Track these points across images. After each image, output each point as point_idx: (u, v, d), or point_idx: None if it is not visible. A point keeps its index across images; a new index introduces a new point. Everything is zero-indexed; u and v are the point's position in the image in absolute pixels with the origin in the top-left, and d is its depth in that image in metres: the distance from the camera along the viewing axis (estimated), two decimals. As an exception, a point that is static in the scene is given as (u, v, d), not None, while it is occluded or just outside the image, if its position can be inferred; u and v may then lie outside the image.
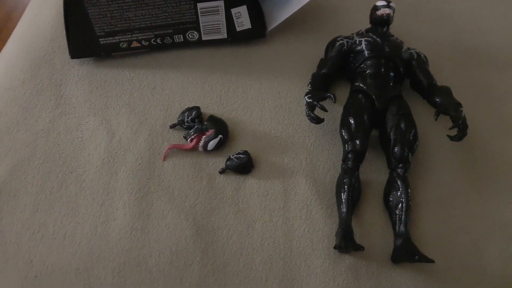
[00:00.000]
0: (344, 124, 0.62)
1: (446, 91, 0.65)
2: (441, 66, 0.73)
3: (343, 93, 0.68)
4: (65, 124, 0.67)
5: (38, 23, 0.80)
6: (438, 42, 0.78)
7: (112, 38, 0.70)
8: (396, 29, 0.74)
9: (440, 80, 0.70)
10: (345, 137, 0.61)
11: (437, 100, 0.65)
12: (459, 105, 0.63)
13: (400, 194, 0.58)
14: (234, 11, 0.70)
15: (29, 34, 0.79)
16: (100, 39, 0.70)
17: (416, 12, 0.83)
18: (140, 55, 0.75)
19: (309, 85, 0.67)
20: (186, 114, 0.65)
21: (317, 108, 0.62)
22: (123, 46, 0.72)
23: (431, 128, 0.67)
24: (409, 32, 0.78)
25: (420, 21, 0.82)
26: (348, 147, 0.61)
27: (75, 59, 0.73)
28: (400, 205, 0.58)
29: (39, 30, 0.78)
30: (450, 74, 0.73)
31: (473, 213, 0.60)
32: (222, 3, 0.68)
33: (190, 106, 0.67)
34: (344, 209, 0.57)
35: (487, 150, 0.66)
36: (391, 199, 0.59)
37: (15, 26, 0.85)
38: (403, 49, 0.70)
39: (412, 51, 0.70)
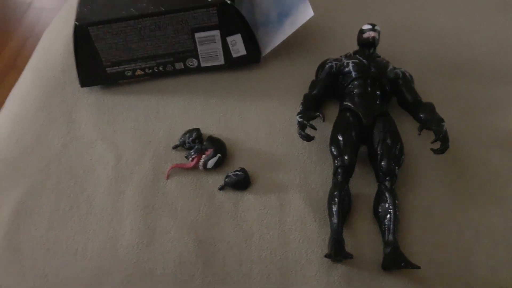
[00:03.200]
0: (333, 141, 0.67)
1: (429, 107, 0.70)
2: (426, 80, 0.77)
3: (332, 112, 0.73)
4: (75, 148, 0.72)
5: (51, 55, 0.86)
6: (423, 58, 0.83)
7: (117, 67, 0.76)
8: (382, 47, 0.78)
9: (426, 95, 0.74)
10: (335, 153, 0.66)
11: (421, 116, 0.69)
12: (441, 120, 0.67)
13: (388, 206, 0.62)
14: (229, 39, 0.75)
15: (42, 65, 0.85)
16: (107, 69, 0.76)
17: (402, 32, 0.87)
18: (144, 82, 0.80)
19: (301, 105, 0.71)
20: (187, 136, 0.70)
21: (308, 126, 0.66)
22: (128, 74, 0.78)
23: (417, 142, 0.70)
24: (395, 51, 0.82)
25: (406, 39, 0.86)
26: (337, 162, 0.65)
27: (84, 88, 0.79)
28: (388, 216, 0.61)
29: (52, 62, 0.85)
30: (436, 89, 0.76)
31: (460, 221, 0.63)
32: (218, 33, 0.74)
33: (190, 128, 0.72)
34: (335, 221, 0.61)
35: (472, 161, 0.69)
36: (380, 210, 0.63)
37: (28, 54, 0.92)
38: (389, 69, 0.74)
39: (397, 70, 0.74)
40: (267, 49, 0.80)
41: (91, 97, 0.79)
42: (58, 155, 0.72)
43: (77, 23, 0.71)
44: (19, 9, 1.99)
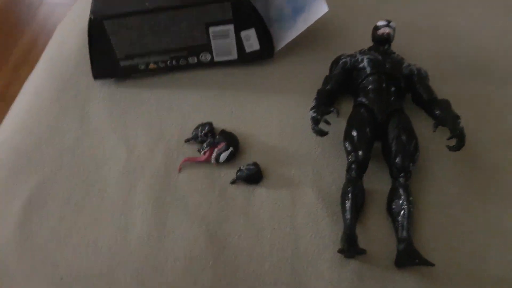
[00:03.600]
0: (347, 136, 0.66)
1: (445, 104, 0.69)
2: (441, 80, 0.76)
3: (346, 107, 0.72)
4: (88, 141, 0.72)
5: (64, 48, 0.87)
6: (438, 57, 0.82)
7: (131, 60, 0.76)
8: (398, 45, 0.78)
9: (441, 93, 0.73)
10: (349, 149, 0.65)
11: (436, 113, 0.68)
12: (457, 117, 0.66)
13: (402, 202, 0.61)
14: (243, 34, 0.75)
15: (56, 58, 0.86)
16: (120, 62, 0.76)
17: (417, 29, 0.86)
18: (157, 75, 0.80)
19: (314, 101, 0.71)
20: (199, 129, 0.70)
21: (321, 121, 0.66)
22: (142, 68, 0.78)
23: (432, 139, 0.70)
24: (410, 47, 0.81)
25: (421, 37, 0.85)
26: (351, 158, 0.64)
27: (98, 81, 0.80)
28: (402, 212, 0.61)
29: (65, 55, 0.85)
30: (450, 88, 0.75)
31: (475, 220, 0.63)
32: (232, 27, 0.74)
33: (203, 122, 0.72)
34: (348, 216, 0.60)
35: (487, 160, 0.68)
36: (394, 206, 0.62)
37: (40, 49, 0.93)
38: (404, 65, 0.73)
39: (412, 67, 0.74)
40: (280, 45, 0.79)
41: (104, 90, 0.79)
42: (71, 147, 0.72)
43: (92, 17, 0.71)
44: (32, 4, 2.01)
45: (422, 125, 0.70)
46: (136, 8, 0.71)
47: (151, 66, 0.78)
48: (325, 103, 0.70)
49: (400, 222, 0.60)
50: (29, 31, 1.89)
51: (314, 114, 0.66)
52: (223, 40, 0.75)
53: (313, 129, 0.66)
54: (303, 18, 0.79)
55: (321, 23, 0.79)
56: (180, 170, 0.68)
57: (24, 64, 1.71)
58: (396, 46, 0.78)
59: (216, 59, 0.78)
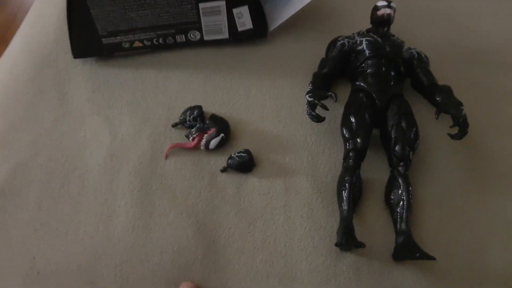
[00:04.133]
0: (345, 122, 0.63)
1: (446, 90, 0.66)
2: (441, 65, 0.73)
3: (344, 92, 0.68)
4: (68, 124, 0.67)
5: (42, 23, 0.81)
6: (439, 42, 0.79)
7: (114, 38, 0.71)
8: (397, 29, 0.74)
9: (441, 79, 0.70)
10: (346, 136, 0.62)
11: (437, 99, 0.65)
12: (459, 104, 0.63)
13: (401, 192, 0.58)
14: (235, 11, 0.70)
15: (33, 34, 0.80)
16: (102, 39, 0.71)
17: (417, 13, 0.83)
18: (143, 55, 0.75)
19: (310, 85, 0.67)
20: (188, 113, 0.66)
21: (318, 106, 0.62)
22: (126, 46, 0.73)
23: (432, 127, 0.67)
24: (410, 32, 0.78)
25: (422, 21, 0.82)
26: (349, 146, 0.61)
27: (78, 59, 0.74)
28: (401, 203, 0.58)
29: (43, 30, 0.79)
30: (451, 74, 0.73)
31: (476, 211, 0.60)
32: (223, 3, 0.69)
33: (192, 105, 0.67)
34: (345, 207, 0.57)
35: (489, 149, 0.66)
36: (392, 197, 0.59)
37: (18, 27, 0.86)
38: (404, 49, 0.70)
39: (413, 50, 0.70)
40: (274, 24, 0.75)
41: (85, 70, 0.73)
42: (48, 130, 0.67)
43: None
44: (9, -20, 1.91)
45: (422, 111, 0.67)
46: None
47: (136, 44, 0.73)
48: (322, 87, 0.66)
49: (399, 214, 0.58)
50: (6, 9, 1.80)
51: (311, 99, 0.63)
52: (213, 17, 0.70)
53: (309, 115, 0.63)
54: None
55: (318, 1, 0.75)
56: (167, 156, 0.63)
57: (0, 44, 1.63)
58: (394, 29, 0.74)
59: (206, 37, 0.73)
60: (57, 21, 0.79)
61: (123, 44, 0.72)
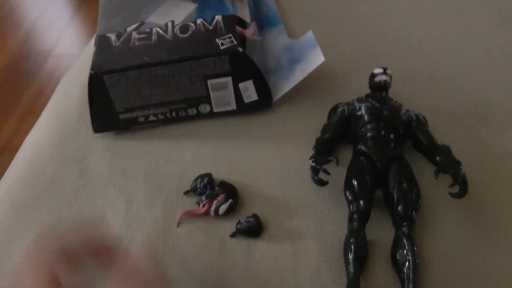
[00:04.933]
0: (347, 185, 0.65)
1: (445, 150, 0.68)
2: (440, 125, 0.76)
3: (346, 156, 0.72)
4: (87, 195, 0.72)
5: (67, 101, 0.88)
6: (436, 102, 0.82)
7: (130, 113, 0.77)
8: (395, 93, 0.78)
9: (441, 139, 0.72)
10: (350, 198, 0.64)
11: (437, 159, 0.67)
12: (458, 163, 0.65)
13: (407, 252, 0.59)
14: (241, 85, 0.76)
15: (59, 110, 0.87)
16: (120, 115, 0.77)
17: (415, 76, 0.87)
18: (156, 127, 0.81)
19: (314, 150, 0.71)
20: (198, 181, 0.70)
21: (321, 171, 0.65)
22: (141, 120, 0.79)
23: (436, 186, 0.69)
24: (408, 94, 0.82)
25: (419, 83, 0.86)
26: (352, 208, 0.63)
27: (98, 133, 0.80)
28: (407, 264, 0.59)
29: (68, 107, 0.87)
30: (450, 134, 0.75)
31: (483, 269, 0.60)
32: (230, 79, 0.75)
33: (202, 173, 0.71)
34: (351, 269, 0.58)
35: (494, 206, 0.67)
36: (398, 257, 0.60)
37: (46, 100, 0.95)
38: (402, 112, 0.73)
39: (410, 113, 0.74)
40: (278, 94, 0.80)
41: (104, 143, 0.79)
42: (69, 201, 0.71)
43: (92, 72, 0.73)
44: (39, 56, 2.08)
45: (422, 171, 0.70)
46: (135, 62, 0.72)
47: (151, 118, 0.79)
48: (324, 151, 0.70)
49: (405, 274, 0.58)
50: (36, 82, 1.94)
51: (314, 164, 0.66)
52: (221, 92, 0.76)
53: (312, 179, 0.66)
54: (300, 68, 0.80)
55: (318, 71, 0.80)
56: (178, 224, 0.67)
57: (29, 115, 1.75)
58: (393, 91, 0.79)
59: (215, 110, 0.79)
60: (80, 98, 0.86)
61: (139, 119, 0.79)
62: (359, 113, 0.73)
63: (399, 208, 0.62)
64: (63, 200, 0.72)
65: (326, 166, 0.67)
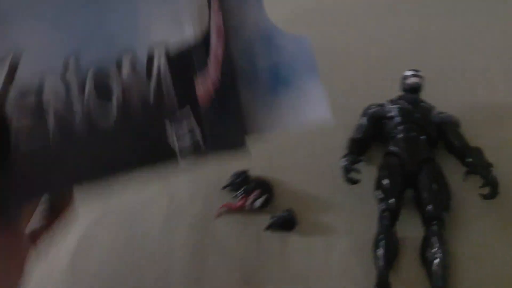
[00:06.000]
0: (379, 185, 0.68)
1: (477, 152, 0.70)
2: (472, 126, 0.77)
3: (377, 155, 0.74)
4: (133, 190, 0.77)
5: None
6: (468, 102, 0.83)
7: None
8: (427, 95, 0.80)
9: (472, 140, 0.74)
10: (380, 197, 0.67)
11: (468, 160, 0.69)
12: (489, 165, 0.67)
13: (436, 250, 0.61)
14: None
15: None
16: None
17: (448, 76, 0.89)
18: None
19: (346, 149, 0.73)
20: (236, 177, 0.74)
21: (352, 170, 0.68)
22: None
23: (465, 187, 0.70)
24: (441, 96, 0.83)
25: (453, 84, 0.87)
26: (383, 206, 0.66)
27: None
28: (436, 261, 0.61)
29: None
30: (482, 135, 0.76)
31: (512, 271, 0.62)
32: None
33: (239, 170, 0.75)
34: (381, 265, 0.61)
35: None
36: (427, 255, 0.62)
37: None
38: (434, 114, 0.75)
39: (442, 115, 0.76)
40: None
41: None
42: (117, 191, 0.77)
43: None
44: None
45: (454, 172, 0.71)
46: None
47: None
48: (356, 151, 0.73)
49: (433, 271, 0.60)
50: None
51: (345, 163, 0.69)
52: None
53: (344, 177, 0.69)
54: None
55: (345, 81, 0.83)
56: (217, 216, 0.71)
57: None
58: (425, 93, 0.80)
59: None
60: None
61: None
62: (390, 114, 0.75)
63: (429, 207, 0.64)
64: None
65: (357, 166, 0.70)
